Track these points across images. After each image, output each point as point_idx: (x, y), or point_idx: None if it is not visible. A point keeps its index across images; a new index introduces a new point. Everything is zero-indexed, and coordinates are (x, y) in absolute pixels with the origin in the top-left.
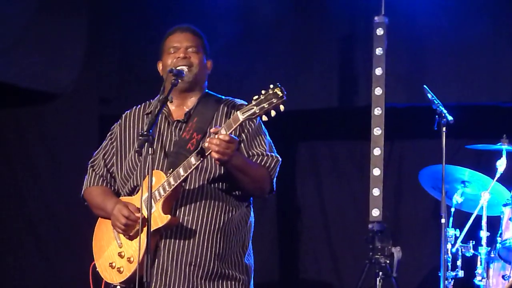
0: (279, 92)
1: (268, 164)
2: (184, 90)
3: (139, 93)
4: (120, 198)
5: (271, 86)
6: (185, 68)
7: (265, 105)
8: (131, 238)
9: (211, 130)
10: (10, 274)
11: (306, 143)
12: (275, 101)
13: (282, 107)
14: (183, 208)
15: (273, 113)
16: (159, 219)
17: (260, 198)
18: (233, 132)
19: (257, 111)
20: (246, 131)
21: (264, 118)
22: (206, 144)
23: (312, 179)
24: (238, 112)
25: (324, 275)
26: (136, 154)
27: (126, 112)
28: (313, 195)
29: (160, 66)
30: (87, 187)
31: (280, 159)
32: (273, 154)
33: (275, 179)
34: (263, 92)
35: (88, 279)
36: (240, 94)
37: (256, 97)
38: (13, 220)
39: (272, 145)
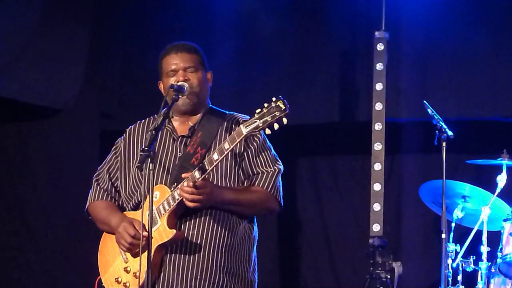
0: (281, 105)
1: (267, 185)
2: (189, 112)
3: (142, 108)
4: (125, 213)
5: (274, 99)
6: (186, 84)
7: (268, 118)
8: (136, 254)
9: (183, 175)
10: None
11: (307, 158)
12: (278, 114)
13: (285, 120)
14: (187, 222)
15: (276, 126)
16: (165, 233)
17: (269, 217)
18: (237, 146)
19: (260, 125)
20: (251, 146)
21: (268, 131)
22: (178, 191)
23: (313, 194)
24: (241, 125)
25: None
26: (137, 169)
27: (130, 126)
28: (313, 210)
29: (161, 86)
30: (91, 201)
31: (281, 169)
32: (276, 166)
33: (280, 195)
34: (265, 105)
35: None
36: (242, 109)
37: (258, 110)
38: (14, 234)
39: (277, 156)
